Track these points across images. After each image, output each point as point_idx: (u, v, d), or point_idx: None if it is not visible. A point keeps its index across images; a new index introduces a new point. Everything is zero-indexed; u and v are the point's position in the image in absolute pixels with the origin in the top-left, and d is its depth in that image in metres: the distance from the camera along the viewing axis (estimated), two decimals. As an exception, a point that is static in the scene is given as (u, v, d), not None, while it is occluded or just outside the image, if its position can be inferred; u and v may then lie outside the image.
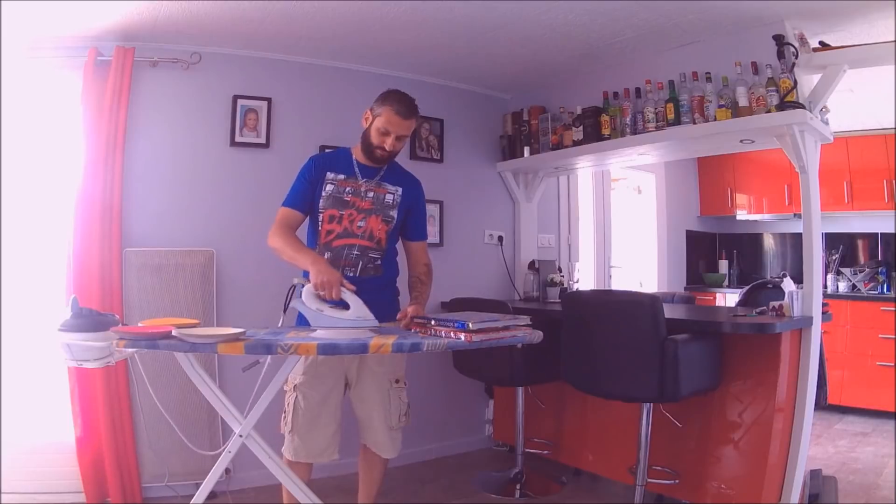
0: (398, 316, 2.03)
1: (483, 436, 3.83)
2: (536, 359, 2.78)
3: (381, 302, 2.18)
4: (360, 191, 2.19)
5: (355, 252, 2.16)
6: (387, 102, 2.13)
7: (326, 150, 2.25)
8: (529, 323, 1.88)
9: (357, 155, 2.24)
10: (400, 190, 2.24)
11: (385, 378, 2.19)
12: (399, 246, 2.33)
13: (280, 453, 2.09)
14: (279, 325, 2.03)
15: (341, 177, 2.20)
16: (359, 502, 2.32)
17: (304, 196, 2.19)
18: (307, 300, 1.89)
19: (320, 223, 2.18)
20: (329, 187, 2.18)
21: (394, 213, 2.22)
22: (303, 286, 1.92)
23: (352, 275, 2.14)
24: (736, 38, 2.79)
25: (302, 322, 2.10)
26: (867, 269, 4.69)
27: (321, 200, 2.18)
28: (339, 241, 2.16)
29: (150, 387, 2.14)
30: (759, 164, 5.26)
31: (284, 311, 1.97)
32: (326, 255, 2.15)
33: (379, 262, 2.20)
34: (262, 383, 1.93)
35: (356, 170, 2.21)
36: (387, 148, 2.14)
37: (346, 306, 1.89)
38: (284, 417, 2.17)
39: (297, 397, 2.14)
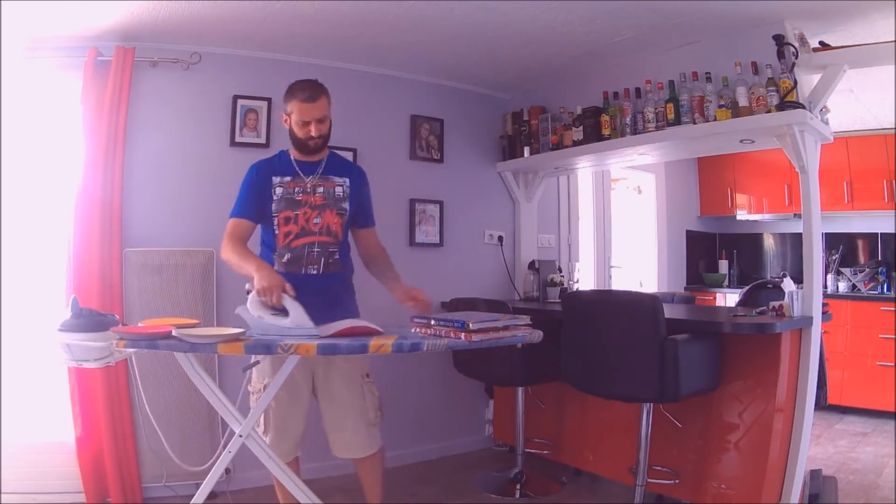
0: (409, 304, 2.04)
1: (483, 436, 3.82)
2: (536, 359, 2.78)
3: (345, 302, 2.22)
4: (308, 188, 2.19)
5: (316, 249, 2.16)
6: (292, 97, 2.14)
7: (262, 159, 2.29)
8: (529, 323, 1.88)
9: (295, 155, 2.24)
10: (347, 181, 2.25)
11: (355, 373, 2.18)
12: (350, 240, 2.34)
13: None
14: None
15: (287, 178, 2.20)
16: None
17: (253, 205, 2.19)
18: (250, 307, 1.86)
19: (276, 226, 2.17)
20: (278, 190, 2.18)
21: (346, 205, 2.22)
22: (248, 292, 1.90)
23: (315, 272, 2.15)
24: (736, 38, 2.79)
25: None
26: (867, 269, 4.68)
27: (273, 204, 2.17)
28: (299, 240, 2.16)
29: (150, 387, 2.14)
30: (759, 164, 5.25)
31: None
32: (287, 256, 2.15)
33: (337, 255, 2.21)
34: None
35: (297, 169, 2.22)
36: (314, 135, 2.14)
37: (285, 312, 1.85)
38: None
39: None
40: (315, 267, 2.16)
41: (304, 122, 2.13)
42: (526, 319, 1.88)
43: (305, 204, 2.17)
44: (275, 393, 1.97)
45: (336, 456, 2.22)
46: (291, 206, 2.17)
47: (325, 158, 2.25)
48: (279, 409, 2.15)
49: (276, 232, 2.17)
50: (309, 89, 2.13)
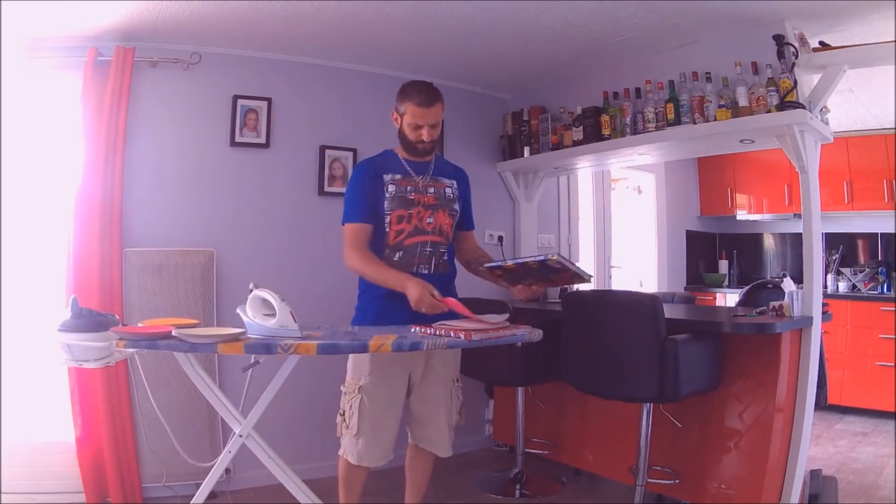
0: (525, 294, 2.06)
1: (483, 436, 3.82)
2: (536, 359, 2.78)
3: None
4: (420, 188, 2.18)
5: (428, 249, 2.16)
6: (407, 98, 2.12)
7: (367, 158, 2.29)
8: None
9: (403, 154, 2.22)
10: (455, 183, 2.27)
11: (448, 378, 2.22)
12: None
13: (279, 454, 2.08)
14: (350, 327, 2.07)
15: (398, 177, 2.17)
16: (406, 502, 2.33)
17: (368, 207, 2.14)
18: (248, 307, 1.86)
19: (388, 225, 2.14)
20: (391, 188, 2.15)
21: (457, 207, 2.24)
22: (250, 292, 1.89)
23: (426, 272, 2.14)
24: (736, 38, 2.79)
25: (361, 321, 2.16)
26: (867, 269, 4.68)
27: (385, 202, 2.14)
28: (411, 239, 2.14)
29: (150, 387, 2.14)
30: (759, 164, 5.25)
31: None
32: (398, 255, 2.13)
33: (446, 256, 2.22)
34: (263, 384, 1.93)
35: (409, 169, 2.20)
36: (425, 139, 2.13)
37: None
38: (344, 420, 2.13)
39: (362, 399, 2.09)
40: (426, 266, 2.15)
41: (418, 125, 2.11)
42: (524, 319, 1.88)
43: (419, 203, 2.16)
44: (273, 394, 1.96)
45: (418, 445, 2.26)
46: (405, 205, 2.14)
47: (433, 160, 2.26)
48: (375, 412, 2.10)
49: (387, 230, 2.14)
50: (426, 93, 2.11)
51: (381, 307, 2.13)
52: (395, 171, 2.18)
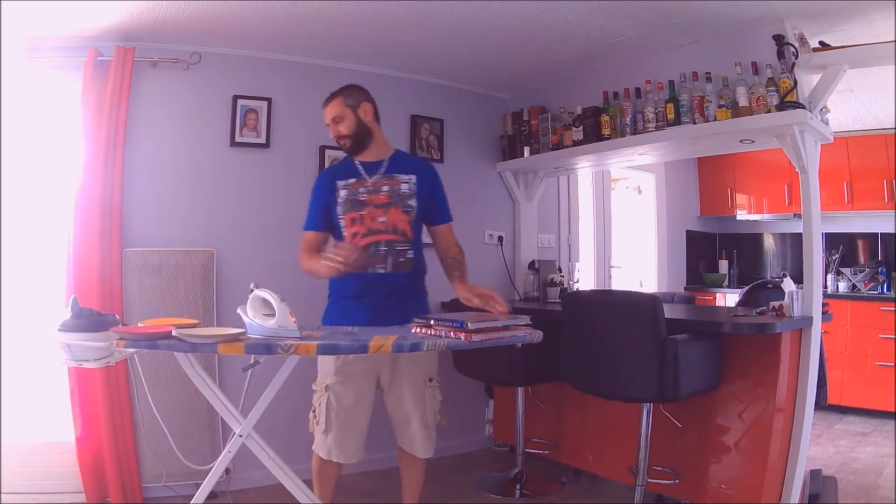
0: (474, 300, 1.98)
1: (483, 436, 3.82)
2: (536, 359, 2.77)
3: (414, 302, 2.21)
4: (372, 188, 2.20)
5: (382, 248, 2.16)
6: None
7: (328, 167, 2.35)
8: (529, 323, 1.88)
9: (358, 158, 2.26)
10: (414, 178, 2.24)
11: (419, 377, 2.20)
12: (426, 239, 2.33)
13: (279, 453, 2.09)
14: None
15: (351, 181, 2.21)
16: (402, 502, 2.34)
17: (321, 214, 2.23)
18: (248, 308, 1.86)
19: (343, 229, 2.18)
20: (343, 193, 2.20)
21: (412, 203, 2.21)
22: (250, 292, 1.89)
23: (383, 271, 2.15)
24: (736, 38, 2.79)
25: (328, 321, 2.18)
26: (867, 269, 4.68)
27: (338, 207, 2.19)
28: (365, 239, 2.16)
29: (150, 387, 2.14)
30: (759, 164, 5.25)
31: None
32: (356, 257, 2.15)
33: (410, 254, 2.20)
34: (263, 383, 1.93)
35: (360, 170, 2.23)
36: (333, 136, 2.23)
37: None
38: (315, 417, 2.18)
39: (329, 397, 2.14)
40: (382, 266, 2.15)
41: (327, 125, 2.23)
42: (526, 319, 1.88)
43: (370, 203, 2.18)
44: (273, 394, 1.97)
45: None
46: (356, 207, 2.17)
47: (388, 158, 2.26)
48: (342, 410, 2.14)
49: (344, 234, 2.18)
50: (330, 94, 2.24)
51: (345, 308, 2.19)
52: (349, 176, 2.23)
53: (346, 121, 2.21)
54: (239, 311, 1.86)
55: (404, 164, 2.27)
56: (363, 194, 2.18)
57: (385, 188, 2.20)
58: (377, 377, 2.20)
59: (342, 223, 2.18)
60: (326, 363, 2.16)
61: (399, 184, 2.21)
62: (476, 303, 1.98)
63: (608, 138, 3.23)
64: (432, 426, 2.23)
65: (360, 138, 2.23)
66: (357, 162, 2.25)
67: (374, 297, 2.15)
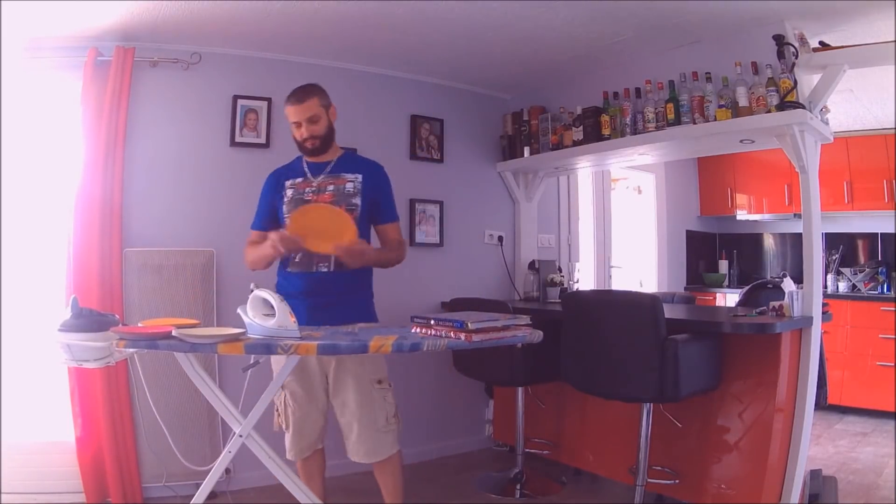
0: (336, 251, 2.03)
1: (483, 436, 3.82)
2: (536, 359, 2.77)
3: (358, 302, 2.21)
4: (317, 188, 2.20)
5: None
6: (285, 101, 2.19)
7: (277, 167, 2.33)
8: (529, 323, 1.88)
9: (306, 158, 2.27)
10: (360, 177, 2.23)
11: (366, 379, 2.13)
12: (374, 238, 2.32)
13: (279, 453, 2.09)
14: None
15: (298, 180, 2.23)
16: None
17: (266, 214, 2.28)
18: (249, 308, 1.85)
19: (287, 227, 2.16)
20: (289, 192, 2.22)
21: (357, 201, 2.19)
22: (250, 292, 1.89)
23: (326, 269, 2.15)
24: (736, 38, 2.79)
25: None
26: (867, 269, 4.68)
27: (284, 206, 2.21)
28: None
29: (150, 387, 2.14)
30: (759, 164, 5.25)
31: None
32: (298, 256, 2.16)
33: None
34: (263, 383, 1.93)
35: (306, 170, 2.24)
36: (305, 135, 2.17)
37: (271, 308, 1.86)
38: (279, 416, 2.23)
39: (285, 396, 2.18)
40: (325, 265, 2.15)
41: (295, 123, 2.17)
42: (526, 319, 1.88)
43: (314, 202, 2.17)
44: (274, 393, 1.97)
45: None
46: (300, 206, 2.17)
47: (336, 158, 2.26)
48: (297, 409, 2.19)
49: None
50: (299, 91, 2.16)
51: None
52: (295, 176, 2.24)
53: (321, 122, 2.19)
54: (239, 311, 1.86)
55: (351, 164, 2.27)
56: (309, 193, 2.19)
57: (330, 187, 2.20)
58: (326, 376, 2.18)
59: (286, 221, 2.18)
60: (280, 362, 2.13)
61: (344, 182, 2.21)
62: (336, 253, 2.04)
63: (608, 138, 3.23)
64: (386, 430, 2.14)
65: (328, 141, 2.23)
66: (305, 162, 2.26)
67: (317, 295, 2.13)
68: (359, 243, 2.05)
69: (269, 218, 2.27)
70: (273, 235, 2.05)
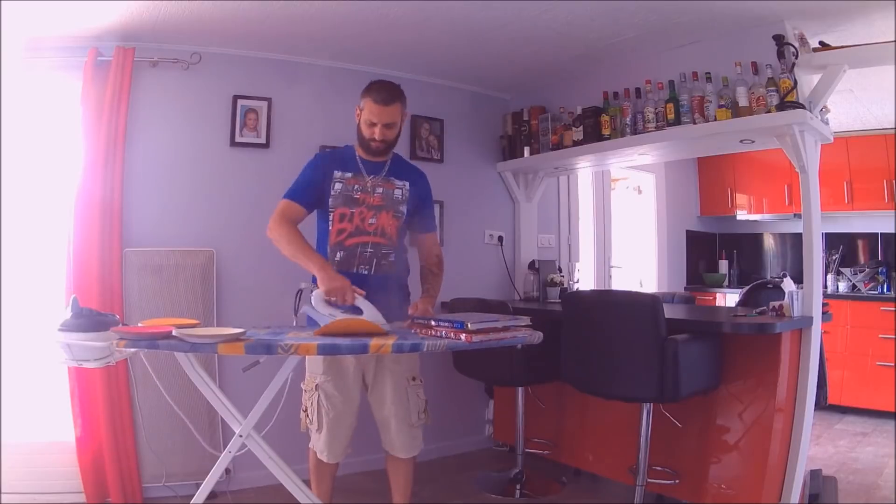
0: (409, 310, 2.05)
1: (483, 436, 3.82)
2: (536, 359, 2.77)
3: (393, 303, 2.20)
4: (368, 188, 2.19)
5: (369, 250, 2.17)
6: (367, 94, 2.14)
7: (328, 149, 2.27)
8: (529, 323, 1.88)
9: (360, 152, 2.24)
10: (407, 184, 2.24)
11: (402, 376, 2.19)
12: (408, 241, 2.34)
13: (279, 453, 2.09)
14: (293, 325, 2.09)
15: (349, 175, 2.20)
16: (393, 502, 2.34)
17: (309, 191, 2.18)
18: (318, 306, 1.89)
19: (331, 222, 2.17)
20: (338, 186, 2.18)
21: (403, 209, 2.22)
22: (311, 291, 1.92)
23: (366, 272, 2.15)
24: (736, 38, 2.79)
25: (312, 324, 2.13)
26: (867, 269, 4.69)
27: (331, 199, 2.17)
28: (352, 239, 2.16)
29: (150, 387, 2.14)
30: (759, 164, 5.25)
31: (295, 314, 2.00)
32: (339, 255, 2.15)
33: (392, 257, 2.21)
34: (264, 383, 1.93)
35: (361, 167, 2.21)
36: (377, 138, 2.14)
37: (358, 311, 1.90)
38: (307, 416, 2.19)
39: (319, 396, 2.15)
40: (366, 267, 2.16)
41: (372, 122, 2.12)
42: (526, 320, 1.89)
43: (363, 203, 2.17)
44: (273, 394, 1.97)
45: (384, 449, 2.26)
46: (349, 204, 2.17)
47: (389, 160, 2.25)
48: (331, 409, 2.16)
49: (331, 228, 2.17)
50: (385, 91, 2.12)
51: None
52: (347, 169, 2.20)
53: (396, 128, 2.18)
54: (306, 310, 1.95)
55: (401, 170, 2.27)
56: (358, 192, 2.18)
57: (380, 190, 2.19)
58: (363, 375, 2.20)
59: (331, 216, 2.17)
60: (315, 362, 2.16)
61: (393, 188, 2.21)
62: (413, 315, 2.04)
63: (608, 138, 3.23)
64: (417, 425, 2.22)
65: (393, 146, 2.23)
66: (359, 157, 2.23)
67: None
68: (428, 310, 2.07)
69: (313, 196, 2.18)
70: (341, 284, 1.98)
